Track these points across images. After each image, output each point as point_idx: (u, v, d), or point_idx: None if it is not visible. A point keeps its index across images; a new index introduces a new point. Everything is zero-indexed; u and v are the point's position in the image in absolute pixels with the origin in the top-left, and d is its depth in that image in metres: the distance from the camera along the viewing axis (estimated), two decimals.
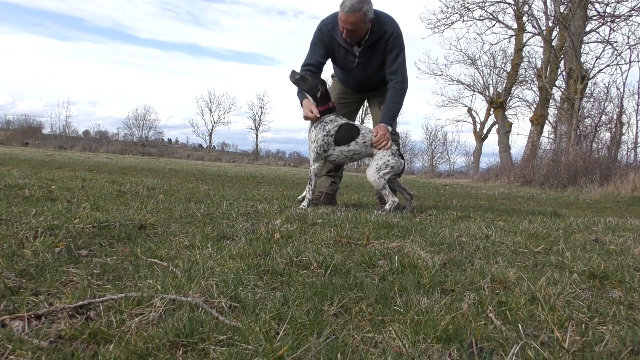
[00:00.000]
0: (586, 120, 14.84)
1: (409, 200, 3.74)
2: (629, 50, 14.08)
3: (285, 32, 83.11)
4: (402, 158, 3.68)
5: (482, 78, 23.65)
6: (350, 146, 3.56)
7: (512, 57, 21.18)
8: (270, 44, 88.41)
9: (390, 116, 3.66)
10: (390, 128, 3.63)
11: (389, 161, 3.55)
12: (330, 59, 3.75)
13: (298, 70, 3.64)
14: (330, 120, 3.52)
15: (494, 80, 23.61)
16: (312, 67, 3.64)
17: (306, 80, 3.52)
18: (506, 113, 22.65)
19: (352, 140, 3.55)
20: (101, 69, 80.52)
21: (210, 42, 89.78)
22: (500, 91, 22.72)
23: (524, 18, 19.14)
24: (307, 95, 3.53)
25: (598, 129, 14.45)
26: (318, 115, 3.49)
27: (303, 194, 3.71)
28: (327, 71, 4.04)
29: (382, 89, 3.77)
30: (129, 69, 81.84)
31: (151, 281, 1.41)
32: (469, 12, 19.21)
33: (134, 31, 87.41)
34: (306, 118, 3.54)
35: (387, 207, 3.52)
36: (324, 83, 3.55)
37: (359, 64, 3.65)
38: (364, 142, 3.57)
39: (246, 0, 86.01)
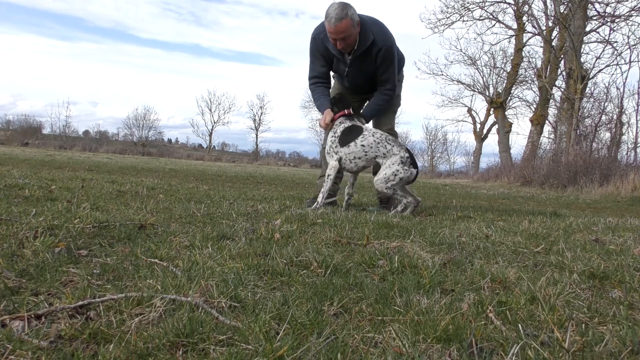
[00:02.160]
0: (586, 120, 14.85)
1: (414, 205, 3.52)
2: (629, 50, 14.09)
3: (287, 32, 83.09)
4: (415, 166, 3.40)
5: (482, 78, 23.68)
6: (349, 147, 3.48)
7: (512, 57, 21.18)
8: (271, 44, 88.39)
9: (368, 113, 3.69)
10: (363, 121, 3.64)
11: (397, 171, 3.34)
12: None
13: (307, 79, 3.78)
14: (340, 123, 3.53)
15: (494, 80, 23.64)
16: (320, 78, 3.72)
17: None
18: (506, 113, 22.65)
19: (352, 142, 3.47)
20: (102, 69, 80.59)
21: (212, 42, 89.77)
22: (500, 91, 22.72)
23: (524, 18, 19.14)
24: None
25: (598, 129, 14.46)
26: (323, 125, 3.61)
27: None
28: None
29: None
30: (131, 69, 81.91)
31: (151, 281, 1.41)
32: (469, 12, 19.22)
33: (136, 31, 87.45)
34: (320, 126, 3.70)
35: (398, 207, 3.43)
36: (334, 100, 3.62)
37: (349, 73, 3.68)
38: (362, 145, 3.43)
39: (248, 1, 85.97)
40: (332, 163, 3.53)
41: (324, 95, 3.69)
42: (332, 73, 4.14)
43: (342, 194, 3.87)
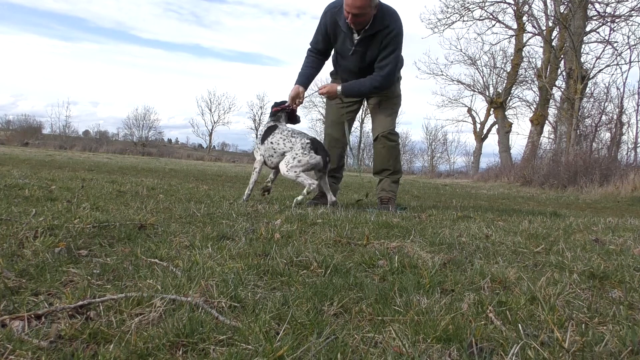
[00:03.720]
0: (586, 120, 14.87)
1: (330, 204, 3.65)
2: (629, 50, 14.12)
3: (289, 33, 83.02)
4: (319, 153, 3.55)
5: (482, 78, 23.70)
6: (264, 145, 3.66)
7: (512, 57, 21.19)
8: (273, 45, 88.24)
9: (350, 87, 3.70)
10: (339, 90, 3.68)
11: (296, 155, 3.50)
12: (332, 42, 3.75)
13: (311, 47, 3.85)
14: (267, 123, 3.77)
15: (494, 80, 23.66)
16: (316, 52, 3.79)
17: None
18: (506, 113, 22.67)
19: (266, 140, 3.65)
20: (104, 69, 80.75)
21: (213, 42, 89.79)
22: (500, 91, 22.73)
23: (524, 18, 19.15)
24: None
25: (598, 129, 14.48)
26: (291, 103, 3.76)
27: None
28: (326, 70, 4.06)
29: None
30: (132, 69, 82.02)
31: (151, 281, 1.41)
32: (469, 12, 19.24)
33: (137, 31, 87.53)
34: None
35: (304, 191, 3.49)
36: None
37: (355, 52, 3.65)
38: (271, 142, 3.60)
39: (249, 1, 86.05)
40: (257, 158, 3.75)
41: (308, 67, 3.79)
42: (332, 72, 4.12)
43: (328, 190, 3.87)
